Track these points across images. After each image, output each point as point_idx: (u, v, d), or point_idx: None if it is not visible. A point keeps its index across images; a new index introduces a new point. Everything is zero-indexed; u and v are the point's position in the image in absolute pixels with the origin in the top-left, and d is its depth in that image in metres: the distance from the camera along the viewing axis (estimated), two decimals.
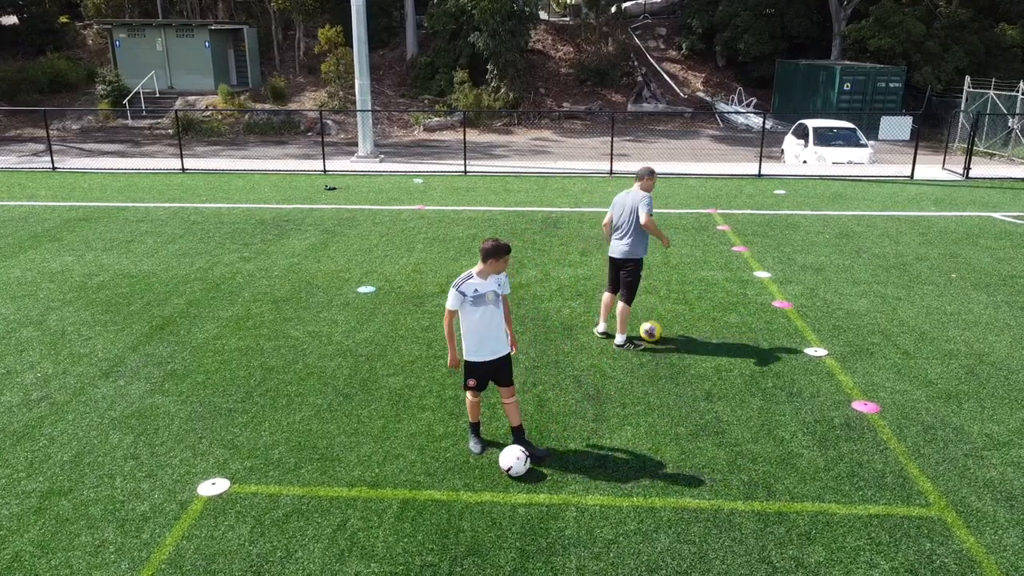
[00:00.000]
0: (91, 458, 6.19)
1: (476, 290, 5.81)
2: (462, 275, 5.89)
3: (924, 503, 5.65)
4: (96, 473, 5.98)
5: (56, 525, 5.37)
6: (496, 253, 5.78)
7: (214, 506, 5.59)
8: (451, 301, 5.84)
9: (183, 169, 19.90)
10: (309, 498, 5.68)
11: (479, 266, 5.86)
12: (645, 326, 8.50)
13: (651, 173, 8.11)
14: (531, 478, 5.93)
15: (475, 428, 6.39)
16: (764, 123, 20.51)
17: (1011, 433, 6.63)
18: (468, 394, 6.21)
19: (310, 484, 5.86)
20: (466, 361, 6.02)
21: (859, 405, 7.10)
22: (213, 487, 5.80)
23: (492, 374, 6.07)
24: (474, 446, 6.34)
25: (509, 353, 6.10)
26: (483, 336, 5.90)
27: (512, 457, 5.94)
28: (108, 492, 5.74)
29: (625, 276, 8.20)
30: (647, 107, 33.91)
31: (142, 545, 5.16)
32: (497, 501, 5.65)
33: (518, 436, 6.24)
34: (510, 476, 5.92)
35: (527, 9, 31.94)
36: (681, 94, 35.61)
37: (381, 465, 6.12)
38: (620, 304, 8.28)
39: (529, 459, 6.01)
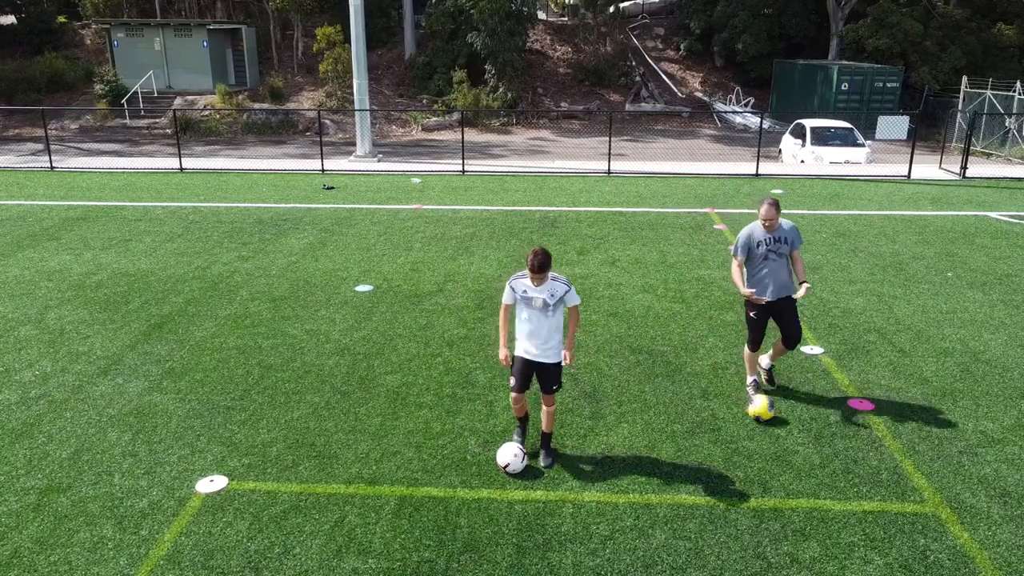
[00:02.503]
0: (90, 455, 6.22)
1: (525, 291, 5.82)
2: (519, 272, 5.92)
3: (919, 499, 5.68)
4: (95, 470, 6.01)
5: (55, 522, 5.39)
6: (530, 266, 5.67)
7: (212, 503, 5.61)
8: (504, 295, 6.01)
9: (181, 168, 19.91)
10: (307, 495, 5.71)
11: (529, 275, 5.77)
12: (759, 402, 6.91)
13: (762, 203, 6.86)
14: (528, 475, 5.96)
15: (521, 423, 6.35)
16: (762, 123, 20.54)
17: (1005, 430, 6.67)
18: (512, 396, 6.14)
19: (308, 481, 5.88)
20: (515, 355, 6.04)
21: (855, 403, 7.14)
22: (211, 484, 5.83)
23: (534, 374, 6.03)
24: (516, 435, 6.33)
25: (556, 363, 5.98)
26: (527, 335, 5.90)
27: (510, 454, 5.98)
28: (107, 489, 5.76)
29: None
30: (645, 107, 33.95)
31: (140, 541, 5.19)
32: (494, 498, 5.68)
33: (544, 441, 6.21)
34: (507, 473, 5.95)
35: (525, 9, 31.96)
36: (679, 94, 35.64)
37: (378, 462, 6.14)
38: None
39: (527, 457, 6.05)
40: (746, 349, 7.27)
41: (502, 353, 6.05)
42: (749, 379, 7.32)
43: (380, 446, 6.38)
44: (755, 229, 6.87)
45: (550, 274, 5.78)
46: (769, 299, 6.91)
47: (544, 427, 6.19)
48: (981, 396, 7.30)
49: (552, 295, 5.79)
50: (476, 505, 5.59)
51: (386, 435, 6.56)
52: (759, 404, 6.79)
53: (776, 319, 7.05)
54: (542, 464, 6.13)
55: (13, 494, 5.70)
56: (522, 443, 6.23)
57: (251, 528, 5.33)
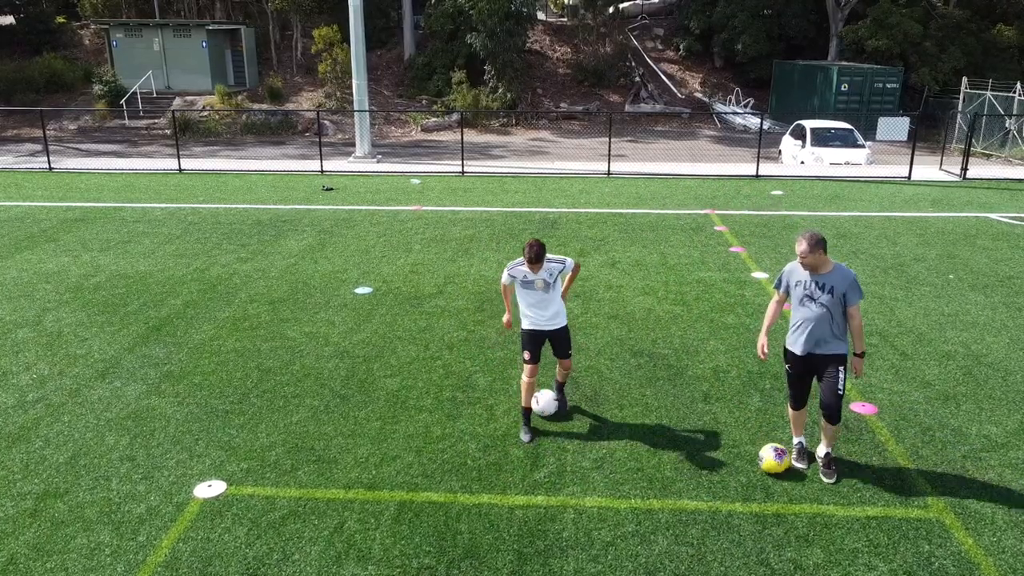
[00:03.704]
0: (87, 460, 6.17)
1: (525, 276, 6.33)
2: (517, 260, 6.40)
3: (922, 505, 5.63)
4: (92, 475, 5.96)
5: (51, 528, 5.34)
6: (527, 258, 6.16)
7: (210, 508, 5.56)
8: (504, 277, 6.52)
9: (180, 169, 19.86)
10: (306, 500, 5.66)
11: (527, 266, 6.25)
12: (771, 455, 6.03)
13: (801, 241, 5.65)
14: (527, 480, 5.91)
15: (526, 415, 6.60)
16: (761, 124, 20.51)
17: (1009, 435, 6.63)
18: (524, 374, 6.48)
19: (307, 486, 5.83)
20: (523, 329, 6.53)
21: (857, 406, 7.09)
22: (209, 489, 5.78)
23: (545, 343, 6.54)
24: (524, 435, 6.52)
25: (565, 327, 6.54)
26: (532, 309, 6.43)
27: (547, 404, 6.77)
28: (104, 494, 5.71)
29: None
30: (645, 107, 33.92)
31: (138, 547, 5.14)
32: (495, 503, 5.63)
33: (558, 388, 6.94)
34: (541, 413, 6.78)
35: (525, 9, 31.92)
36: (679, 94, 35.61)
37: (378, 467, 6.09)
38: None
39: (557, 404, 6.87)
40: (787, 406, 6.30)
41: (506, 318, 6.82)
42: (794, 440, 6.19)
43: (380, 450, 6.33)
44: (797, 265, 5.82)
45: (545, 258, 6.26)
46: (798, 352, 5.81)
47: (559, 378, 6.91)
48: (984, 400, 7.26)
49: (551, 275, 6.33)
50: (477, 511, 5.54)
51: (385, 439, 6.51)
52: (767, 458, 5.99)
53: (817, 378, 5.87)
54: (553, 410, 6.80)
55: (9, 499, 5.65)
56: (529, 432, 6.57)
57: (249, 534, 5.28)
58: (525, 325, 6.47)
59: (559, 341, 6.52)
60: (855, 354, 5.77)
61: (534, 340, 6.44)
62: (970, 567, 4.99)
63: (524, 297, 6.41)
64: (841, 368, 5.73)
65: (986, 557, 5.08)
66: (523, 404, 6.56)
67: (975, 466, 6.14)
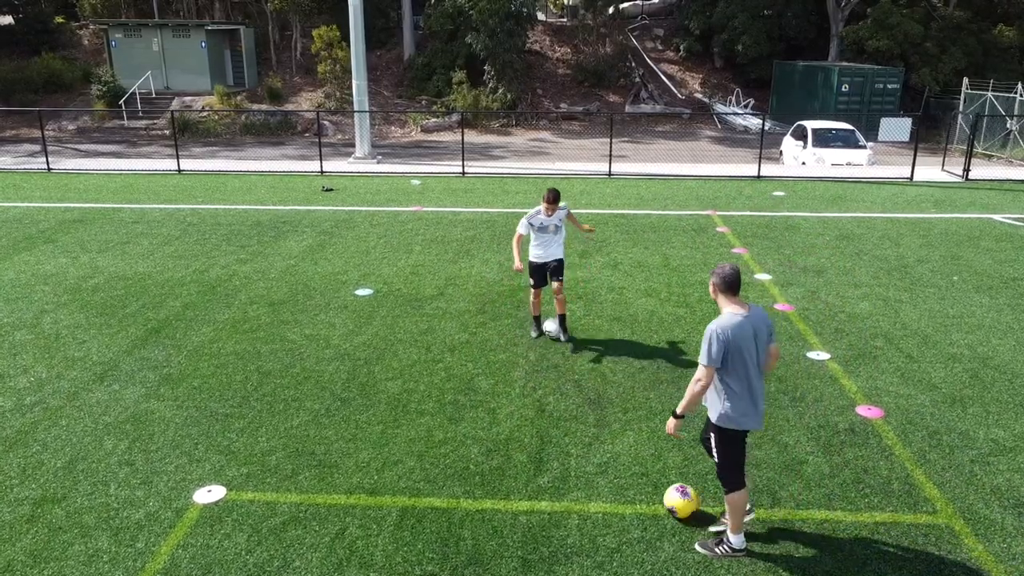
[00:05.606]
0: (85, 465, 6.09)
1: (542, 222, 8.17)
2: (534, 209, 8.20)
3: (931, 510, 5.57)
4: (90, 480, 5.88)
5: (49, 534, 5.27)
6: (546, 200, 8.02)
7: (210, 514, 5.49)
8: (520, 227, 8.25)
9: (179, 170, 19.78)
10: (307, 506, 5.59)
11: (544, 206, 8.05)
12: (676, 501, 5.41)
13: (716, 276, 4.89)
14: (531, 485, 5.84)
15: (536, 320, 8.66)
16: (763, 124, 20.42)
17: (1017, 438, 6.56)
18: (531, 295, 8.57)
19: (308, 491, 5.76)
20: (530, 261, 8.32)
21: (863, 410, 7.03)
22: (209, 494, 5.70)
23: (547, 270, 8.32)
24: (532, 331, 8.65)
25: (560, 259, 8.32)
26: (540, 248, 8.25)
27: (552, 328, 8.54)
28: (102, 500, 5.64)
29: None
30: (645, 108, 33.85)
31: (136, 554, 5.07)
32: (498, 509, 5.56)
33: (560, 320, 8.49)
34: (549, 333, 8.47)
35: (525, 10, 31.85)
36: (679, 95, 35.54)
37: (380, 472, 6.02)
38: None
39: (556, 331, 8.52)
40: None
41: (517, 265, 8.28)
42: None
43: (381, 455, 6.26)
44: None
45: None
46: None
47: (559, 311, 8.45)
48: (991, 403, 7.19)
49: (560, 220, 8.23)
50: (480, 516, 5.47)
51: (387, 443, 6.44)
52: (674, 499, 5.37)
53: None
54: (562, 339, 8.46)
55: (6, 505, 5.58)
56: (538, 330, 8.59)
57: (250, 540, 5.21)
58: (532, 259, 8.30)
59: (555, 268, 8.31)
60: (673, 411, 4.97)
61: (538, 271, 8.33)
62: (980, 574, 4.92)
63: (537, 239, 8.21)
64: (711, 435, 4.96)
65: (996, 564, 5.02)
66: (532, 313, 8.65)
67: (983, 470, 6.07)
